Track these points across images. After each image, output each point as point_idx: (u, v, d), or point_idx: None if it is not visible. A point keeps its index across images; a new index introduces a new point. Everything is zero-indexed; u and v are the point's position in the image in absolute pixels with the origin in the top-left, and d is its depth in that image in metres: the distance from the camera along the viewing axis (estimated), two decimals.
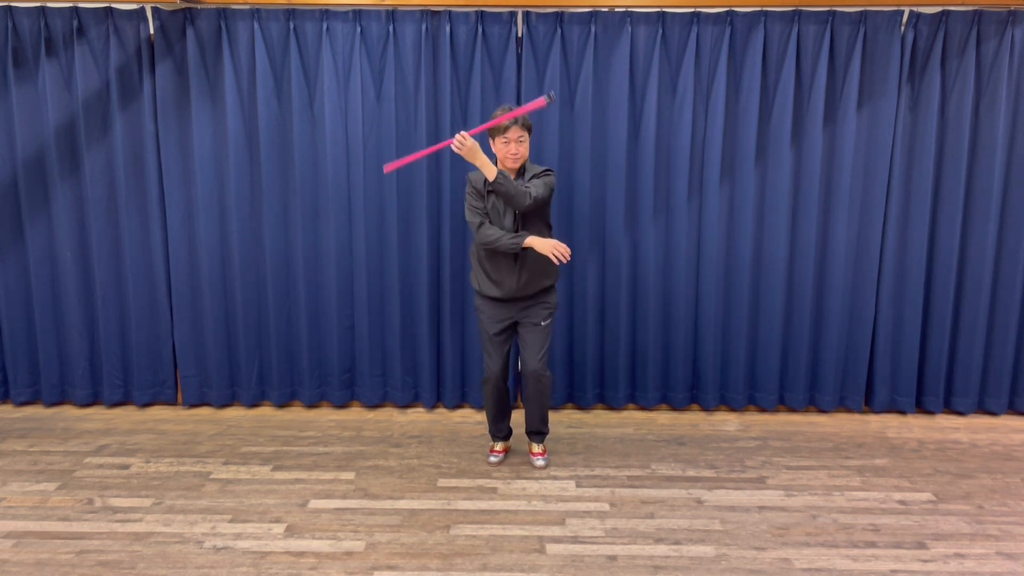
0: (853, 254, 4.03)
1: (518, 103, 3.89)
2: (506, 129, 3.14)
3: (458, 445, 3.77)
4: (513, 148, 3.17)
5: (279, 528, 2.99)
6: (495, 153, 3.25)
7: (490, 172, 3.05)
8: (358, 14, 3.81)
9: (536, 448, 3.55)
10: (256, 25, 3.79)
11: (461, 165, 3.97)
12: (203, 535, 2.94)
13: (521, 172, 3.27)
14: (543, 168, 3.29)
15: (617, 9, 3.80)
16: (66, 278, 4.07)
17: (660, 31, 3.80)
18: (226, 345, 4.17)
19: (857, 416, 4.19)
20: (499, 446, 3.62)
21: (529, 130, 3.23)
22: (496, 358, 3.40)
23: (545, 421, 3.53)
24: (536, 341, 3.33)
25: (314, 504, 3.18)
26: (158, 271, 4.09)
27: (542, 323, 3.34)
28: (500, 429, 3.60)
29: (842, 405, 4.23)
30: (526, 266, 3.25)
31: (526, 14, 3.81)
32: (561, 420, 4.08)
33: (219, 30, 3.83)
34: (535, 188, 3.13)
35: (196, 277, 4.09)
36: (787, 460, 3.62)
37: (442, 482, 3.38)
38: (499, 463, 3.56)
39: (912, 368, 4.12)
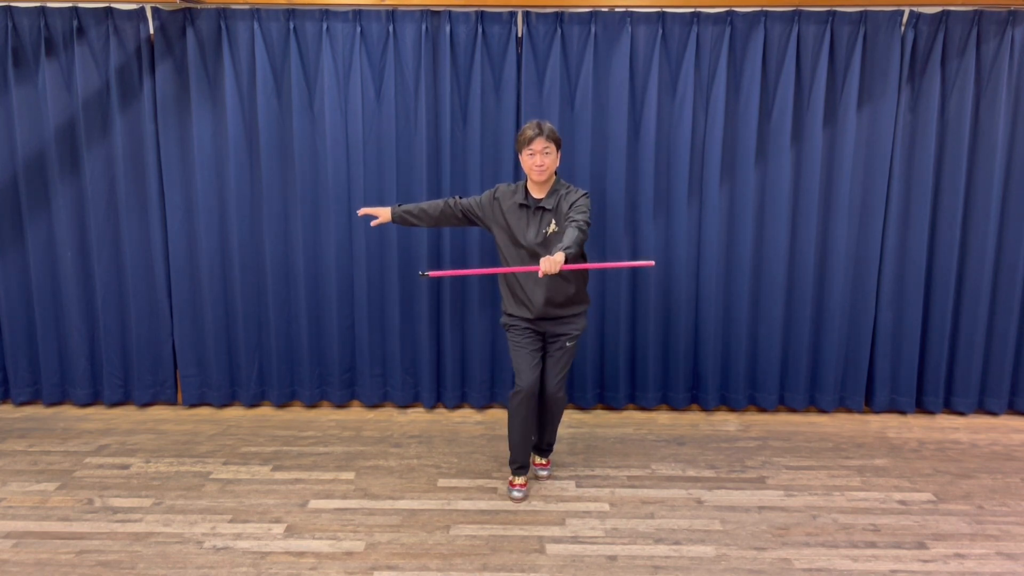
0: (853, 254, 4.03)
1: (518, 103, 3.89)
2: (531, 140, 3.05)
3: (458, 445, 3.77)
4: (538, 160, 3.06)
5: (279, 528, 2.99)
6: (522, 167, 3.14)
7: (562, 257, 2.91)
8: (358, 14, 3.81)
9: (540, 460, 3.50)
10: (256, 25, 3.79)
11: (461, 164, 3.97)
12: (203, 535, 2.94)
13: (554, 191, 3.14)
14: (580, 192, 3.14)
15: (617, 9, 3.80)
16: (66, 278, 4.07)
17: (660, 31, 3.80)
18: (226, 345, 4.17)
19: (857, 416, 4.19)
20: (520, 479, 3.30)
21: (557, 143, 3.11)
22: (529, 373, 3.19)
23: (552, 440, 3.47)
24: (558, 363, 3.23)
25: (314, 504, 3.18)
26: (158, 271, 4.09)
27: (567, 344, 3.23)
28: (522, 456, 3.29)
29: (842, 405, 4.23)
30: (558, 290, 3.15)
31: (526, 14, 3.81)
32: (561, 420, 4.07)
33: (219, 30, 3.83)
34: (579, 216, 3.04)
35: (196, 277, 4.10)
36: (787, 460, 3.62)
37: (442, 482, 3.38)
38: (522, 499, 3.26)
39: (912, 368, 4.12)
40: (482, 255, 4.01)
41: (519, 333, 3.24)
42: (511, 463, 3.30)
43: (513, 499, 3.27)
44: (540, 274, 2.86)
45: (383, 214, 3.39)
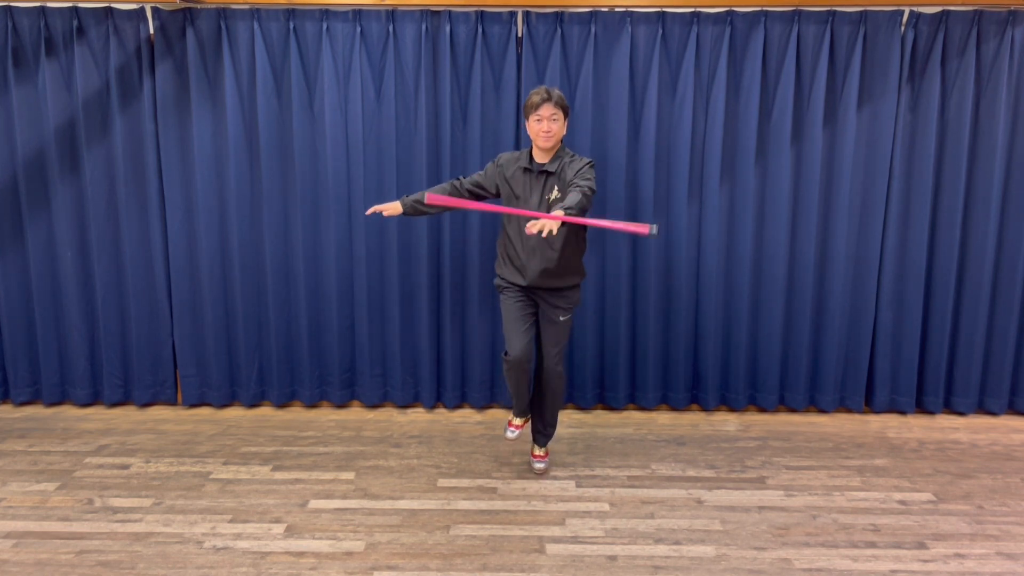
0: (853, 254, 4.03)
1: (518, 103, 3.88)
2: (538, 106, 3.06)
3: (458, 445, 3.77)
4: (545, 126, 3.07)
5: (279, 528, 2.99)
6: (528, 133, 3.16)
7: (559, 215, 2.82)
8: (358, 14, 3.81)
9: (538, 451, 3.50)
10: (256, 25, 3.79)
11: (461, 164, 3.97)
12: (203, 535, 2.94)
13: (558, 157, 3.14)
14: (585, 160, 3.11)
15: (617, 9, 3.80)
16: (66, 278, 4.07)
17: (660, 31, 3.80)
18: (226, 345, 4.17)
19: (857, 416, 4.19)
20: (518, 420, 3.47)
21: (565, 111, 3.12)
22: (518, 340, 3.20)
23: (552, 423, 3.46)
24: (552, 337, 3.27)
25: (314, 504, 3.18)
26: (158, 271, 4.09)
27: (560, 319, 3.25)
28: (521, 404, 3.41)
29: (842, 405, 4.23)
30: (552, 256, 3.15)
31: (526, 14, 3.81)
32: (561, 420, 4.07)
33: (219, 30, 3.83)
34: (584, 181, 2.99)
35: (196, 277, 4.09)
36: (787, 460, 3.62)
37: (442, 482, 3.38)
38: (516, 439, 3.51)
39: (912, 368, 4.12)
40: (482, 252, 4.01)
41: (511, 298, 3.26)
42: (512, 409, 3.47)
43: (506, 437, 3.48)
44: (534, 227, 2.70)
45: (393, 207, 3.34)
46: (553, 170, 3.12)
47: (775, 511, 3.14)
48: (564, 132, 3.16)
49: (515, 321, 3.23)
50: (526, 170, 3.18)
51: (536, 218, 2.77)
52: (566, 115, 3.14)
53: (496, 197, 3.34)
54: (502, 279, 3.32)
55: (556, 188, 3.12)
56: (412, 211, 3.35)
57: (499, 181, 3.27)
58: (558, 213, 2.77)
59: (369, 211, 3.41)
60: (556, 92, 3.09)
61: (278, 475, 3.44)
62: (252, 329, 4.14)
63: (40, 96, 3.91)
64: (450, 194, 3.31)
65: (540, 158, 3.18)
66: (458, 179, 3.37)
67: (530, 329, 3.26)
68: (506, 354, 3.23)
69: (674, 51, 3.85)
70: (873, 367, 4.17)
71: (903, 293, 4.07)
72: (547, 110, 3.06)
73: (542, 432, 3.49)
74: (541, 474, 3.44)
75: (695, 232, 4.03)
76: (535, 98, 3.08)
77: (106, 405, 4.25)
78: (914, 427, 4.04)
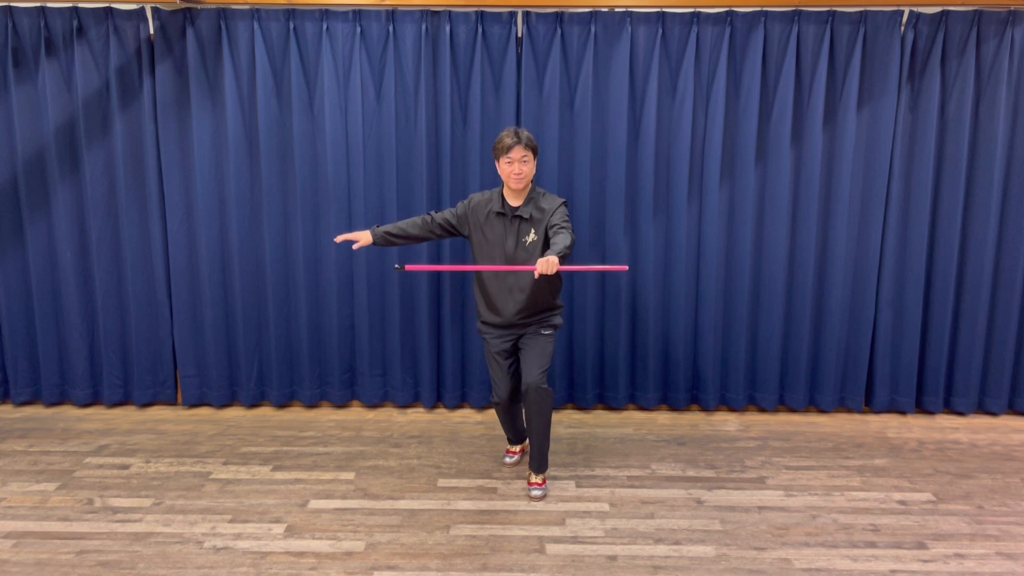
0: (853, 254, 4.03)
1: (518, 103, 3.89)
2: (509, 148, 3.08)
3: (458, 445, 3.77)
4: (516, 168, 3.09)
5: (279, 528, 2.99)
6: (500, 174, 3.17)
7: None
8: (358, 14, 3.81)
9: (534, 477, 3.31)
10: (256, 25, 3.80)
11: (461, 164, 3.97)
12: (203, 535, 2.94)
13: (530, 199, 3.17)
14: (559, 201, 3.18)
15: (617, 9, 3.80)
16: (66, 278, 4.07)
17: (660, 31, 3.80)
18: (226, 345, 4.17)
19: (857, 416, 4.19)
20: (515, 448, 3.60)
21: (534, 151, 3.15)
22: (502, 384, 3.32)
23: (544, 453, 3.30)
24: (536, 352, 3.21)
25: (314, 504, 3.18)
26: (158, 271, 4.09)
27: (543, 332, 3.25)
28: (511, 433, 3.56)
29: (842, 405, 4.23)
30: (527, 296, 3.18)
31: (526, 14, 3.81)
32: (561, 420, 4.08)
33: (219, 30, 3.83)
34: (564, 224, 3.10)
35: (196, 277, 4.10)
36: (787, 460, 3.62)
37: (442, 482, 3.38)
38: (515, 464, 3.56)
39: (912, 368, 4.12)
40: None
41: (492, 343, 3.32)
42: (506, 439, 3.65)
43: (504, 463, 3.57)
44: (536, 275, 2.91)
45: (363, 237, 3.36)
46: (527, 215, 3.15)
47: (775, 511, 3.14)
48: (534, 172, 3.19)
49: (497, 368, 3.32)
50: (499, 214, 3.20)
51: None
52: (535, 155, 3.18)
53: (466, 238, 3.37)
54: (482, 323, 3.35)
55: (532, 231, 3.16)
56: (383, 242, 3.37)
57: (471, 226, 3.28)
58: (553, 257, 2.85)
59: (338, 239, 3.41)
60: (525, 133, 3.13)
61: (278, 475, 3.45)
62: (252, 329, 4.14)
63: (40, 96, 3.91)
64: (420, 229, 3.36)
65: (513, 200, 3.20)
66: (429, 214, 3.36)
67: (513, 366, 3.34)
68: (493, 399, 3.43)
69: (674, 51, 3.85)
70: (873, 367, 4.17)
71: (903, 293, 4.07)
72: (518, 152, 3.09)
73: (535, 458, 3.32)
74: (537, 500, 3.24)
75: (695, 232, 4.03)
76: (507, 140, 3.10)
77: (106, 405, 4.25)
78: (914, 427, 4.04)
